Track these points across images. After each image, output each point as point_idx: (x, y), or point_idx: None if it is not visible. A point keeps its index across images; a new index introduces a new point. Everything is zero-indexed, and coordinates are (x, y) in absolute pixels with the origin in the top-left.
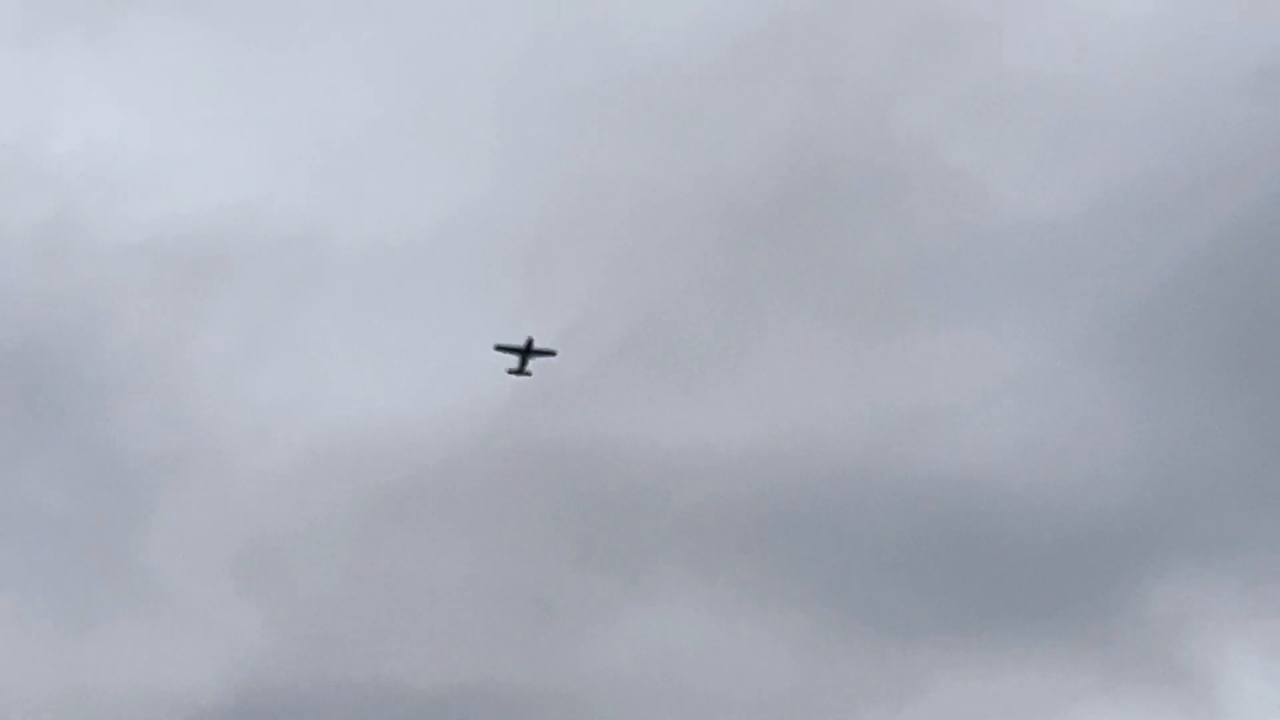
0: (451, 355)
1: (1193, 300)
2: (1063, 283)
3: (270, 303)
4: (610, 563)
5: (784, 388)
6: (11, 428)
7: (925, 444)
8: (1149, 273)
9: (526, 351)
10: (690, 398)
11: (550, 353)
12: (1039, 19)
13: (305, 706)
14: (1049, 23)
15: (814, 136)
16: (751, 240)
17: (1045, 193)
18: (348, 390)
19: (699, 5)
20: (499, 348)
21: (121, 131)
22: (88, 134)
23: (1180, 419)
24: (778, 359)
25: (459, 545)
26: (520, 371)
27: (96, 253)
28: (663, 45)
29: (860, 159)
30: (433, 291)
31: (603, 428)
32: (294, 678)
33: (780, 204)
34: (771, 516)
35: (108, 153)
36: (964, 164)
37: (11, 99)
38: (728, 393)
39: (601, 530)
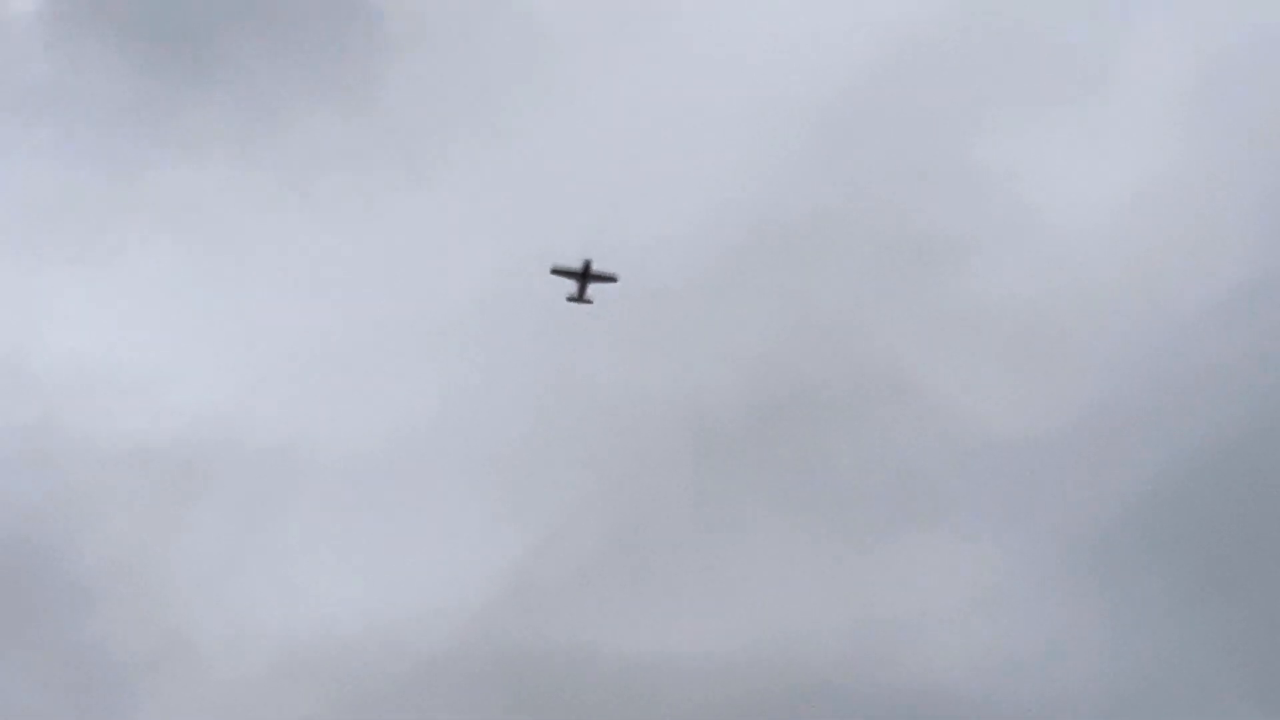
0: (429, 562)
1: (1167, 518)
2: (1036, 499)
3: (250, 510)
4: None
5: (761, 598)
6: None
7: (900, 656)
8: (1123, 490)
9: (585, 275)
10: (669, 606)
11: (611, 278)
12: (1012, 241)
13: None
14: (1022, 244)
15: (791, 352)
16: (729, 453)
17: (1019, 411)
18: (326, 596)
19: (677, 225)
20: (555, 271)
21: (106, 343)
22: (73, 345)
23: (1154, 636)
24: (755, 570)
25: None
26: (580, 299)
27: (80, 460)
28: (642, 262)
29: (837, 375)
30: (411, 499)
31: (583, 634)
32: None
33: (758, 418)
34: None
35: (93, 364)
36: (938, 382)
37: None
38: (706, 602)
39: None
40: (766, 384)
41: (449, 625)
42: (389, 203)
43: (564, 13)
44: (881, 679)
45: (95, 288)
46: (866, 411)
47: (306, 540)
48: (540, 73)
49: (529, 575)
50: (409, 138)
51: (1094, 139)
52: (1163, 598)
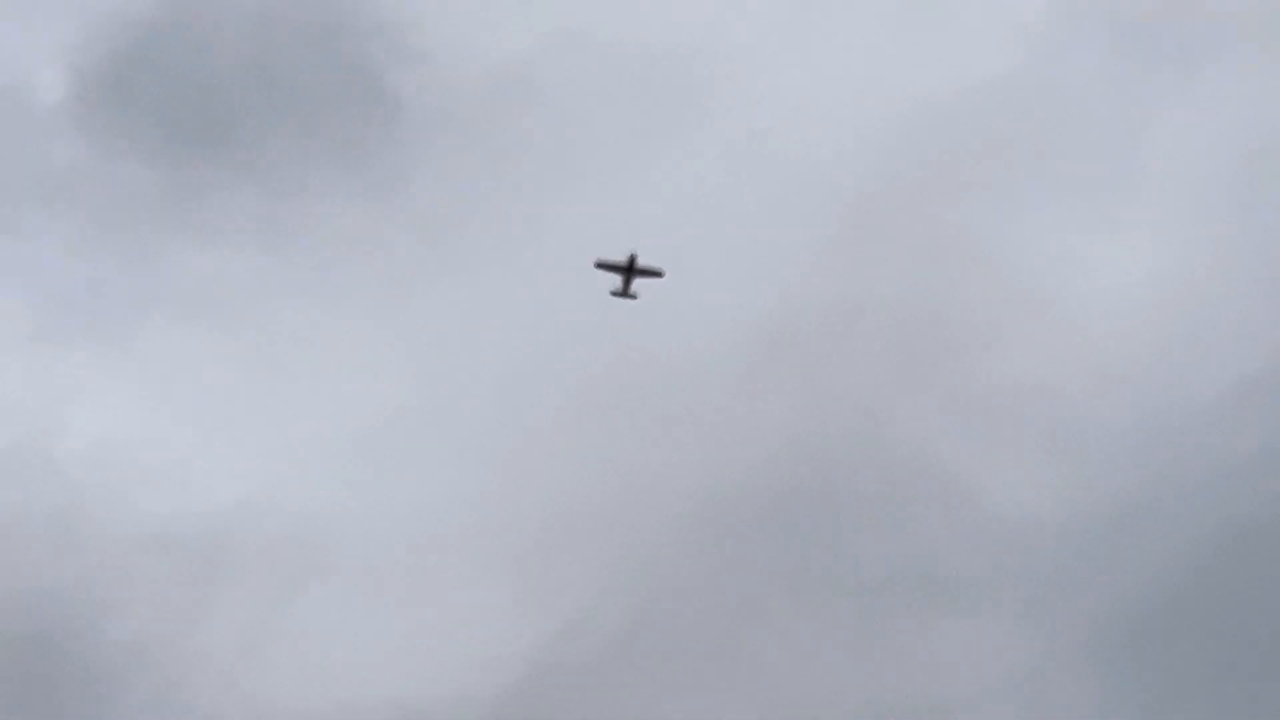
0: (451, 646)
1: (1188, 607)
2: (1061, 584)
3: (272, 595)
4: None
5: (782, 683)
6: (17, 710)
7: None
8: (1144, 578)
9: (630, 270)
10: (688, 691)
11: (657, 273)
12: (1036, 327)
13: None
14: (1046, 331)
15: (813, 437)
16: (752, 537)
17: (1042, 496)
18: (346, 680)
19: (699, 312)
20: (600, 265)
21: (131, 429)
22: (98, 431)
23: None
24: (776, 655)
25: None
26: (625, 294)
27: (104, 545)
28: (664, 349)
29: (860, 459)
30: (433, 584)
31: (607, 716)
32: None
33: (781, 501)
34: None
35: (117, 449)
36: (962, 467)
37: (25, 396)
38: (726, 688)
39: None
40: (790, 468)
41: (471, 710)
42: (413, 289)
43: (588, 103)
44: None
45: (120, 374)
46: (889, 496)
47: (328, 625)
48: (564, 162)
49: (550, 660)
50: (433, 225)
51: (1116, 230)
52: (1186, 686)
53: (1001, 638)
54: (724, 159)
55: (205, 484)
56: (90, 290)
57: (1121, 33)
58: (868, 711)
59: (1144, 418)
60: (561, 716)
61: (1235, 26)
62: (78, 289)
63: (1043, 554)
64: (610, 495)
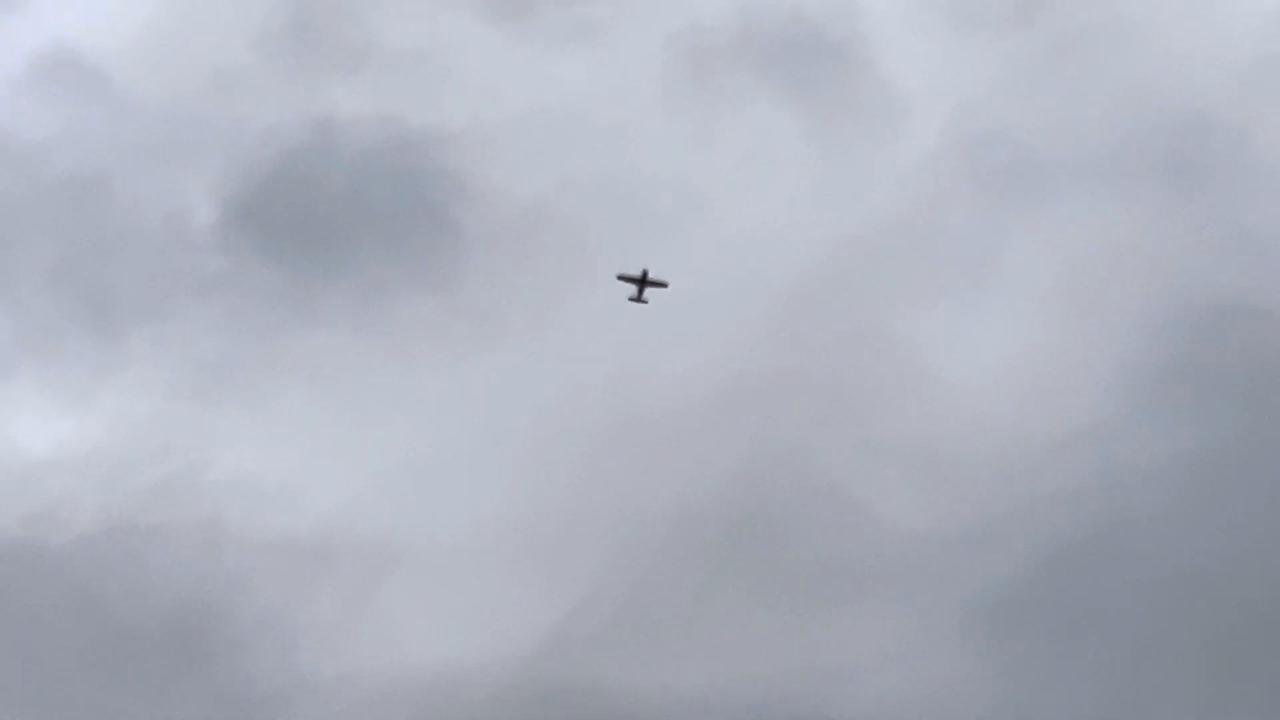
0: (492, 619)
1: (1034, 596)
2: (935, 579)
3: (360, 583)
4: None
5: (734, 649)
6: (175, 670)
7: (834, 694)
8: (1000, 574)
9: (643, 281)
10: (666, 654)
11: (663, 284)
12: (923, 390)
13: None
14: (929, 393)
15: (757, 471)
16: (712, 545)
17: (924, 514)
18: (416, 646)
19: (676, 375)
20: (620, 277)
21: (258, 461)
22: (234, 463)
23: (1030, 681)
24: (729, 629)
25: None
26: (639, 299)
27: (238, 545)
28: (646, 405)
29: (791, 490)
30: (480, 573)
31: (605, 674)
32: None
33: (732, 518)
34: None
35: (248, 476)
36: (864, 494)
37: (180, 438)
38: (689, 653)
39: None
40: (739, 493)
41: (506, 667)
42: (464, 360)
43: (595, 225)
44: (819, 711)
45: (249, 422)
46: (813, 514)
47: (400, 605)
48: (577, 268)
49: (562, 632)
50: (480, 315)
51: (981, 319)
52: (1037, 652)
53: (893, 618)
54: (696, 267)
55: (311, 501)
56: (229, 360)
57: (985, 176)
58: (794, 669)
59: (998, 457)
60: (575, 669)
61: (1070, 174)
62: (220, 359)
63: (924, 556)
64: (611, 512)
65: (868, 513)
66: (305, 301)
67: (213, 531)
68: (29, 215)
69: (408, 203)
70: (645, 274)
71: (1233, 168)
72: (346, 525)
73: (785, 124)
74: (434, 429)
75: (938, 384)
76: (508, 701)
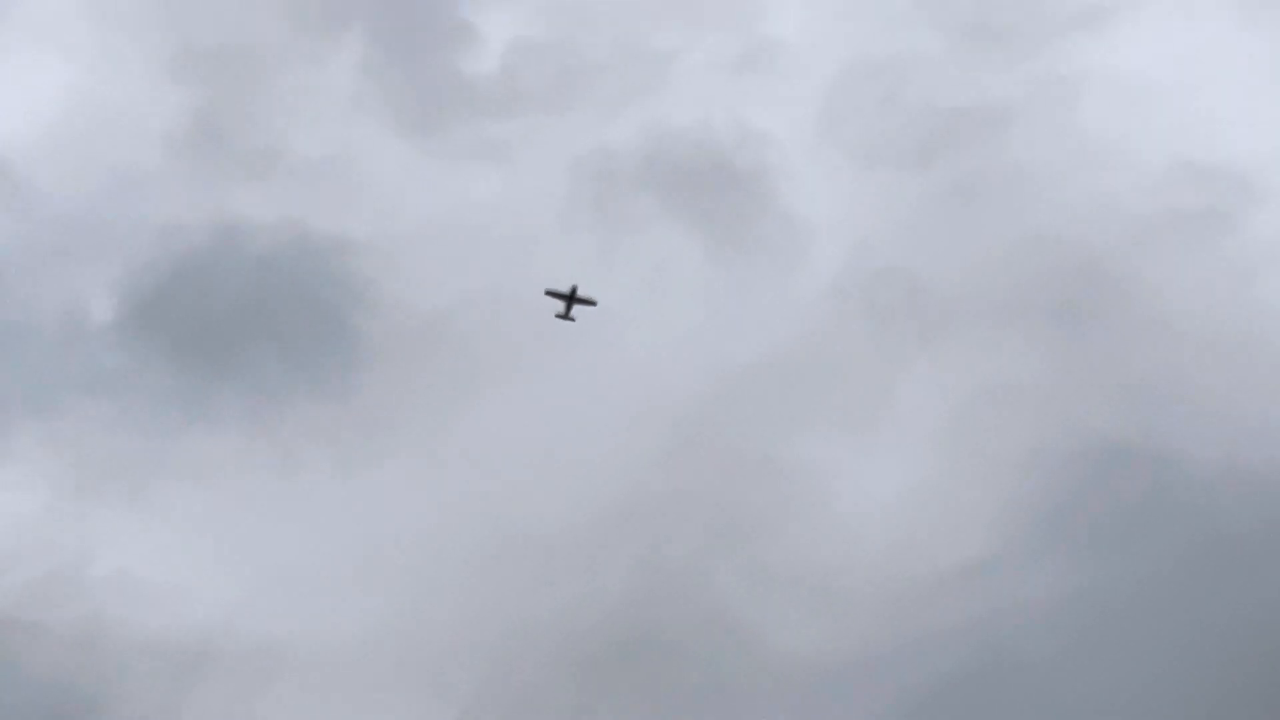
0: None
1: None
2: (824, 705)
3: (243, 690)
4: None
5: None
6: None
7: None
8: (888, 701)
9: (571, 298)
10: None
11: (591, 302)
12: (812, 518)
13: None
14: (819, 521)
15: (645, 596)
16: (596, 672)
17: (811, 640)
18: None
19: (567, 495)
20: (549, 293)
21: (142, 562)
22: (118, 562)
23: None
24: None
25: None
26: (566, 316)
27: (117, 645)
28: (541, 523)
29: (678, 615)
30: (361, 686)
31: None
32: None
33: (621, 639)
34: None
35: (131, 576)
36: (754, 618)
37: (63, 535)
38: None
39: None
40: (627, 616)
41: None
42: (356, 468)
43: (493, 340)
44: None
45: (136, 521)
46: (699, 639)
47: (282, 711)
48: (475, 380)
49: None
50: (373, 424)
51: (874, 451)
52: None
53: None
54: (590, 383)
55: (194, 604)
56: (117, 459)
57: (881, 311)
58: None
59: (887, 589)
60: None
61: (964, 313)
62: (109, 458)
63: (810, 684)
64: (493, 627)
65: (755, 638)
66: (198, 403)
67: (93, 630)
68: None
69: (307, 310)
70: (574, 290)
71: (1123, 316)
72: (229, 630)
73: (687, 249)
74: (322, 537)
75: (828, 513)
76: None
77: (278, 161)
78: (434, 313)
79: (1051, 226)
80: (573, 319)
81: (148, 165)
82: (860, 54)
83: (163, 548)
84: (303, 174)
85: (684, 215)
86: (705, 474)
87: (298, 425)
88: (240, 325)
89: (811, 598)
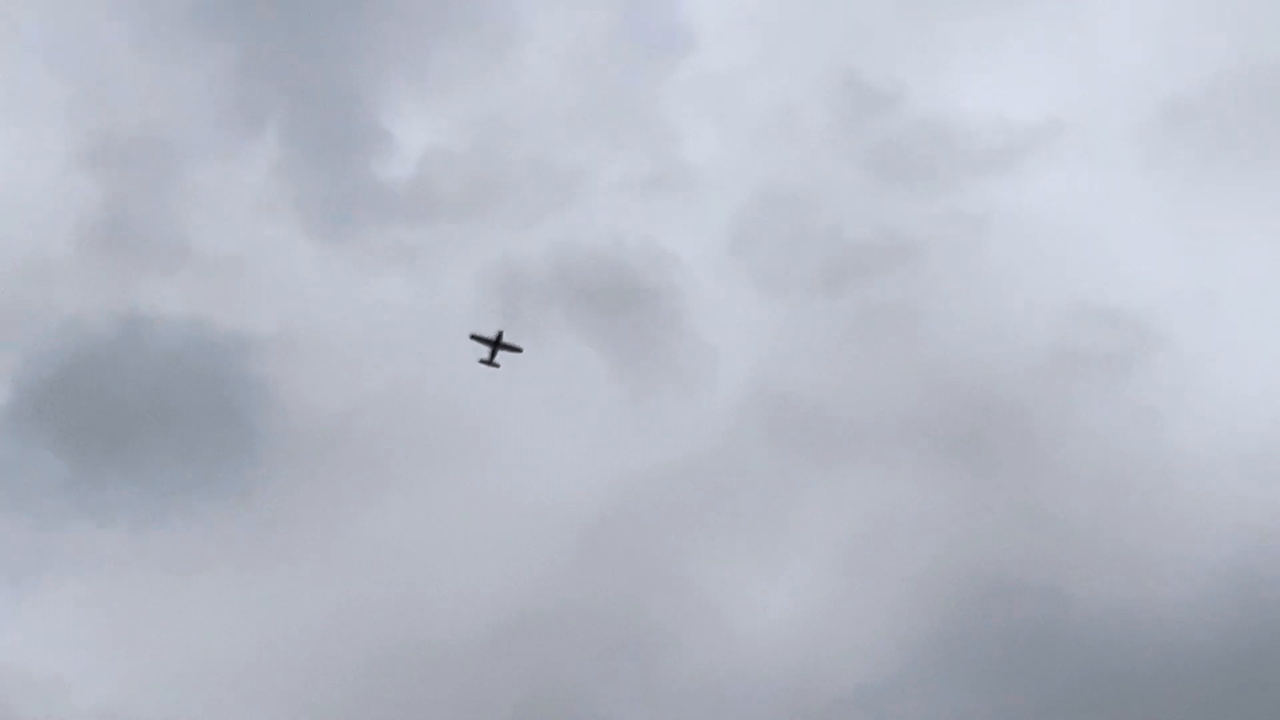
0: None
1: None
2: None
3: None
4: None
5: None
6: None
7: None
8: None
9: (496, 343)
10: None
11: (517, 348)
12: (709, 632)
13: None
14: (716, 636)
15: (539, 707)
16: None
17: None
18: None
19: (461, 601)
20: (474, 337)
21: (26, 654)
22: (4, 656)
23: None
24: None
25: None
26: (490, 362)
27: None
28: (434, 624)
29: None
30: None
31: None
32: None
33: None
34: None
35: (13, 668)
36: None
37: None
38: None
39: None
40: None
41: None
42: (246, 566)
43: (395, 444)
44: None
45: (23, 612)
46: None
47: None
48: (375, 484)
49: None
50: (270, 525)
51: (770, 571)
52: None
53: None
54: (490, 493)
55: (80, 698)
56: (5, 547)
57: (782, 434)
58: None
59: (779, 709)
60: None
61: (863, 440)
62: None
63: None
64: None
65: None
66: (91, 495)
67: None
68: None
69: (208, 407)
70: (500, 336)
71: (1020, 451)
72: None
73: (592, 363)
74: (212, 636)
75: (723, 631)
76: None
77: (186, 257)
78: (336, 415)
79: (953, 360)
80: (497, 365)
81: (55, 255)
82: (772, 181)
83: (49, 640)
84: (210, 270)
85: (590, 330)
86: (603, 587)
87: (192, 522)
88: (139, 419)
89: (703, 716)
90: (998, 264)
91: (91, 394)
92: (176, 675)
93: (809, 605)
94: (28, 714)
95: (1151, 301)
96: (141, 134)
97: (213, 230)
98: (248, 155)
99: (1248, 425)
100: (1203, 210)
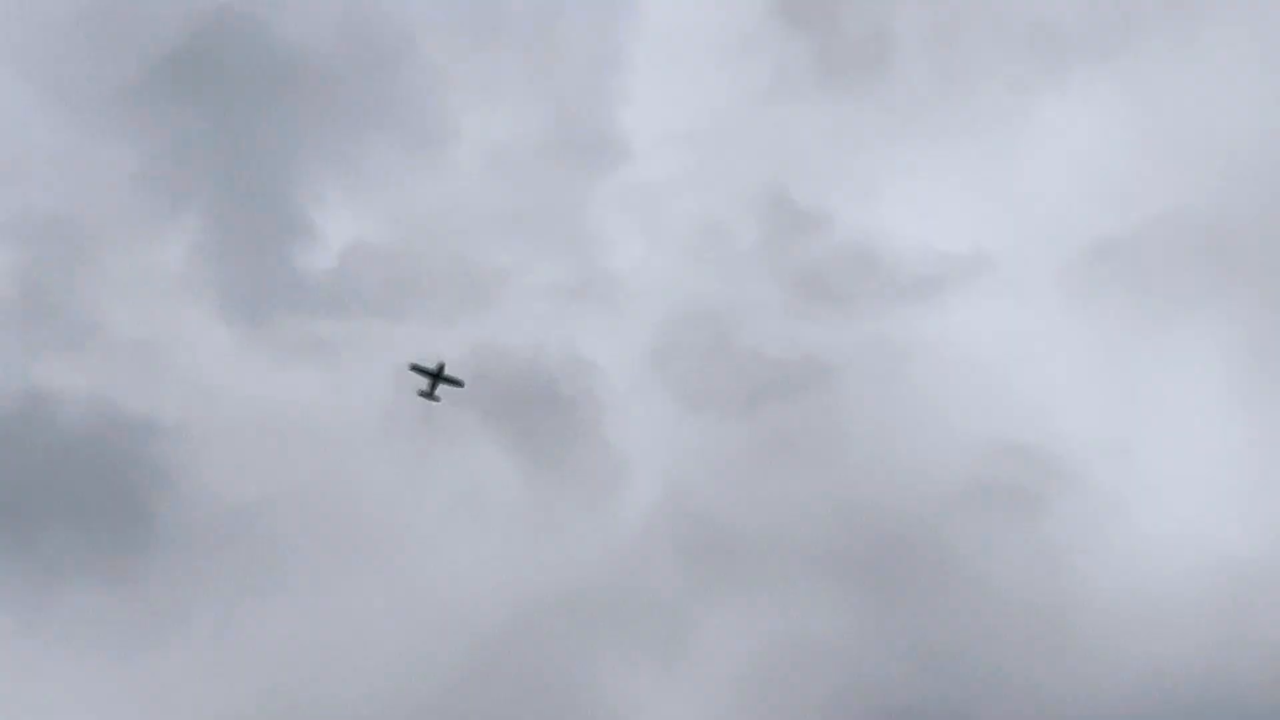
0: None
1: None
2: None
3: None
4: None
5: None
6: None
7: None
8: None
9: (437, 376)
10: None
11: (459, 382)
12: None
13: None
14: None
15: None
16: None
17: None
18: None
19: (355, 698)
20: (414, 367)
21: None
22: None
23: None
24: None
25: None
26: (430, 395)
27: None
28: None
29: None
30: None
31: None
32: None
33: None
34: None
35: None
36: None
37: None
38: None
39: None
40: None
41: None
42: (136, 660)
43: (297, 538)
44: None
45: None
46: None
47: None
48: (273, 577)
49: None
50: (162, 614)
51: (671, 689)
52: None
53: None
54: (392, 595)
55: None
56: None
57: (690, 552)
58: None
59: None
60: None
61: (772, 563)
62: None
63: None
64: None
65: None
66: None
67: None
68: None
69: (107, 490)
70: (441, 368)
71: (928, 581)
72: None
73: (504, 468)
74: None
75: None
76: None
77: (97, 336)
78: (239, 505)
79: (867, 488)
80: (437, 399)
81: None
82: (696, 296)
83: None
84: (121, 351)
85: (504, 434)
86: (500, 698)
87: (83, 606)
88: (36, 498)
89: None
90: (917, 394)
91: None
92: None
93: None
94: None
95: (1068, 441)
96: (61, 210)
97: (126, 311)
98: (169, 237)
99: (1156, 570)
100: (1123, 353)
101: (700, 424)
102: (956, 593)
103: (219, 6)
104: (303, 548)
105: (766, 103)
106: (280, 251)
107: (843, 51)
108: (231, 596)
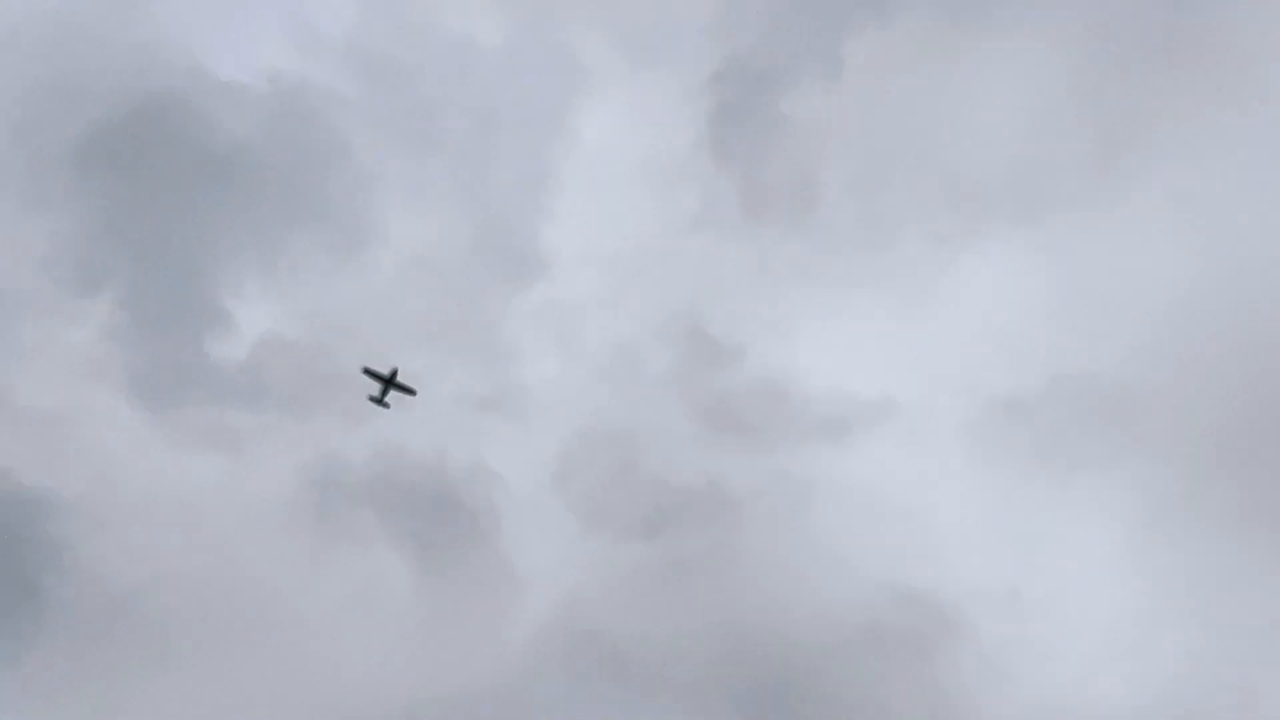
0: None
1: None
2: None
3: None
4: None
5: None
6: None
7: None
8: None
9: (389, 382)
10: None
11: (411, 390)
12: None
13: None
14: None
15: None
16: None
17: None
18: None
19: None
20: (367, 371)
21: None
22: None
23: None
24: None
25: None
26: (380, 401)
27: None
28: None
29: None
30: None
31: None
32: None
33: None
34: None
35: None
36: None
37: None
38: None
39: None
40: None
41: None
42: None
43: (188, 625)
44: None
45: None
46: None
47: None
48: (161, 662)
49: None
50: (45, 694)
51: None
52: None
53: None
54: (278, 690)
55: None
56: None
57: (580, 670)
58: None
59: None
60: None
61: (664, 690)
62: None
63: None
64: None
65: None
66: None
67: None
68: None
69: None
70: (394, 374)
71: (817, 718)
72: None
73: (400, 572)
74: None
75: None
76: None
77: (2, 406)
78: (132, 587)
79: (760, 619)
80: (387, 405)
81: None
82: (605, 416)
83: None
84: (23, 424)
85: (403, 538)
86: None
87: None
88: None
89: None
90: (817, 530)
91: None
92: None
93: None
94: None
95: (961, 589)
96: None
97: (32, 385)
98: (81, 315)
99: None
100: (1021, 508)
101: (599, 543)
102: None
103: (156, 88)
104: (193, 633)
105: (690, 232)
106: (193, 338)
107: (769, 190)
108: (116, 679)
